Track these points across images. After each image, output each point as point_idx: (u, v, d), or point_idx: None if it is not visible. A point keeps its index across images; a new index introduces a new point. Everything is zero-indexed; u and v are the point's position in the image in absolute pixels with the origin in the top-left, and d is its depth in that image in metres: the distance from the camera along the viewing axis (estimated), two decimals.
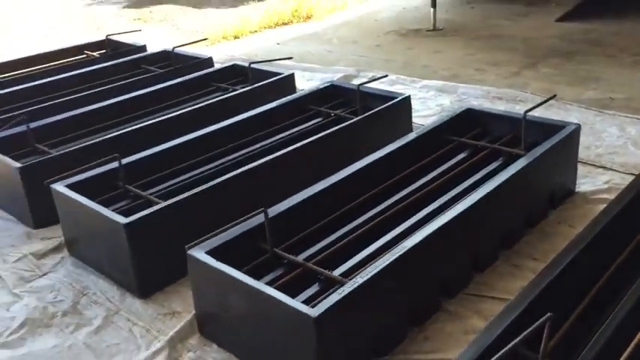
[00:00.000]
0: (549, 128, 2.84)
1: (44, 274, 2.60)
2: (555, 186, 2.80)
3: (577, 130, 2.84)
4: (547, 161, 2.67)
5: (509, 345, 1.53)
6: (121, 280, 2.48)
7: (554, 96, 2.99)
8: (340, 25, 6.95)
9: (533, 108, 2.80)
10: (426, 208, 2.50)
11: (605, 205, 2.74)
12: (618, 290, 1.97)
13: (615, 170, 3.14)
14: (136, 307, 2.38)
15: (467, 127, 3.08)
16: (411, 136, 2.93)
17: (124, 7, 8.85)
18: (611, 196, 2.86)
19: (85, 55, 4.97)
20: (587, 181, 3.04)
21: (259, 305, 1.92)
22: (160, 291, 2.46)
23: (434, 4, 6.30)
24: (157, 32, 6.93)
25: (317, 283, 2.11)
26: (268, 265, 2.19)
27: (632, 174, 3.04)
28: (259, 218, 2.20)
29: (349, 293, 1.86)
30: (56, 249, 2.76)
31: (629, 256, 2.18)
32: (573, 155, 2.89)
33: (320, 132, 3.11)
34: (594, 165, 3.20)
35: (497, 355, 1.50)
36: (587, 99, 4.12)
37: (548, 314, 1.55)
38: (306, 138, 3.05)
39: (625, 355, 1.60)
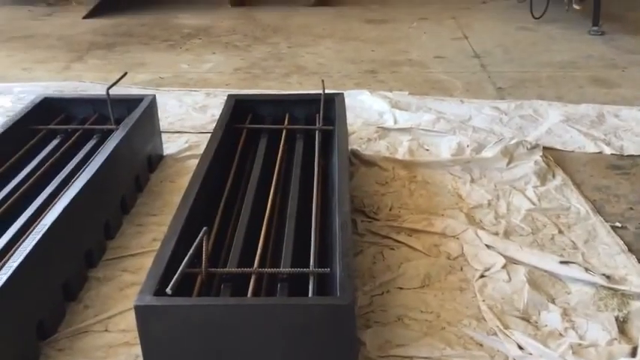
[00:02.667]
0: (130, 102, 3.13)
1: None
2: (149, 152, 3.13)
3: (154, 99, 3.20)
4: (140, 130, 2.96)
5: (183, 265, 1.80)
6: None
7: (126, 73, 3.28)
8: None
9: (114, 84, 3.03)
10: (47, 190, 2.49)
11: (189, 160, 3.26)
12: (233, 208, 2.45)
13: (188, 132, 3.65)
14: None
15: (50, 115, 3.11)
16: None
17: None
18: (193, 152, 3.36)
19: None
20: (170, 145, 3.46)
21: None
22: None
23: None
24: None
25: None
26: None
27: (201, 132, 3.60)
28: None
29: (8, 279, 1.81)
30: None
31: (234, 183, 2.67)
32: (156, 122, 3.26)
33: None
34: (170, 131, 3.64)
35: (174, 279, 1.75)
36: (141, 81, 4.55)
37: (205, 228, 1.88)
38: None
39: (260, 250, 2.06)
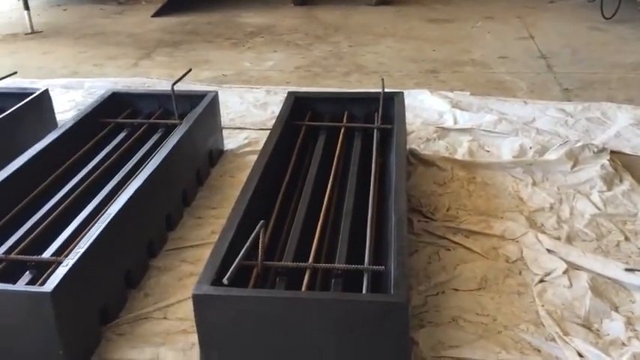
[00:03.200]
0: (193, 98, 3.21)
1: None
2: (210, 147, 3.19)
3: (216, 96, 3.27)
4: (202, 125, 3.03)
5: (239, 257, 1.84)
6: None
7: (190, 70, 3.36)
8: None
9: (178, 81, 3.12)
10: (113, 181, 2.60)
11: (249, 155, 3.31)
12: (290, 203, 2.47)
13: (249, 128, 3.71)
14: None
15: (118, 109, 3.23)
16: (69, 123, 2.94)
17: None
18: (252, 148, 3.41)
19: None
20: (231, 141, 3.53)
21: None
22: None
23: (27, 7, 6.06)
24: None
25: (28, 272, 2.04)
26: None
27: (261, 129, 3.65)
28: None
29: (74, 265, 1.89)
30: None
31: (291, 179, 2.69)
32: (218, 118, 3.32)
33: None
34: (231, 127, 3.71)
35: (231, 270, 1.78)
36: (204, 78, 4.65)
37: (262, 222, 1.91)
38: None
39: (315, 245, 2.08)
